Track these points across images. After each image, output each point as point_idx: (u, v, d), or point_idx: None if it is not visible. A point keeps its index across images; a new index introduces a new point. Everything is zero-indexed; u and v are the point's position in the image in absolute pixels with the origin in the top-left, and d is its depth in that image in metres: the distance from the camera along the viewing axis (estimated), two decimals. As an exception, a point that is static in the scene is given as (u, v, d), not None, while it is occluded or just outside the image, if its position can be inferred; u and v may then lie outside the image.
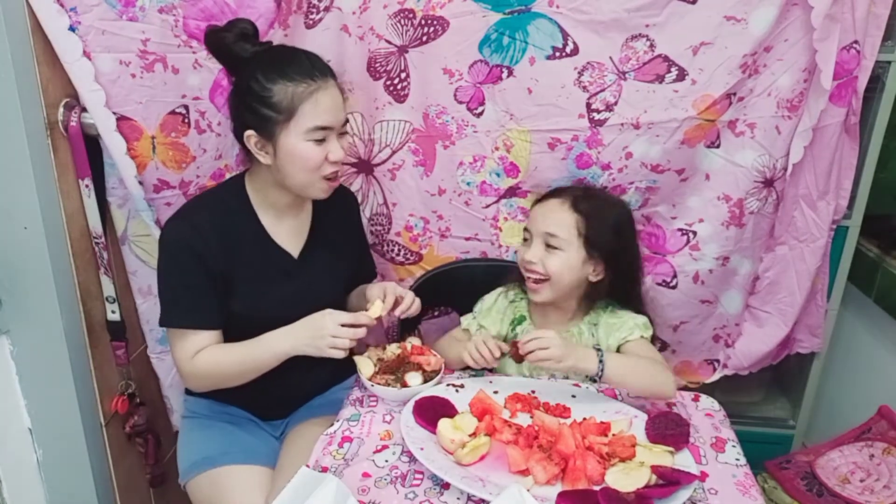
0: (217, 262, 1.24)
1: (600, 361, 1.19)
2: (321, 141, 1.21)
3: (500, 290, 1.45)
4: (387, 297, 1.29)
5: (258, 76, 1.19)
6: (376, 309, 1.26)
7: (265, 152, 1.23)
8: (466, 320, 1.45)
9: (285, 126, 1.19)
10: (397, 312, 1.31)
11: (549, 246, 1.31)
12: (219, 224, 1.26)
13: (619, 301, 1.39)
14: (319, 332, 1.19)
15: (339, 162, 1.24)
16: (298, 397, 1.43)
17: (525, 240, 1.38)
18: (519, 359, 1.21)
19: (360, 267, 1.50)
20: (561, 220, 1.32)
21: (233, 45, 1.22)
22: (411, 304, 1.31)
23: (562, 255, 1.31)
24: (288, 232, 1.34)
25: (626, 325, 1.34)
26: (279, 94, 1.18)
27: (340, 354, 1.19)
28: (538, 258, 1.31)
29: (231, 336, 1.28)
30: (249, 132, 1.22)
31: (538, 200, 1.42)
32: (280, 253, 1.32)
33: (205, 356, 1.24)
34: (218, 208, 1.28)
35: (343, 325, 1.19)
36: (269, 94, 1.18)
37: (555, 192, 1.40)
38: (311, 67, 1.20)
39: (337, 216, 1.41)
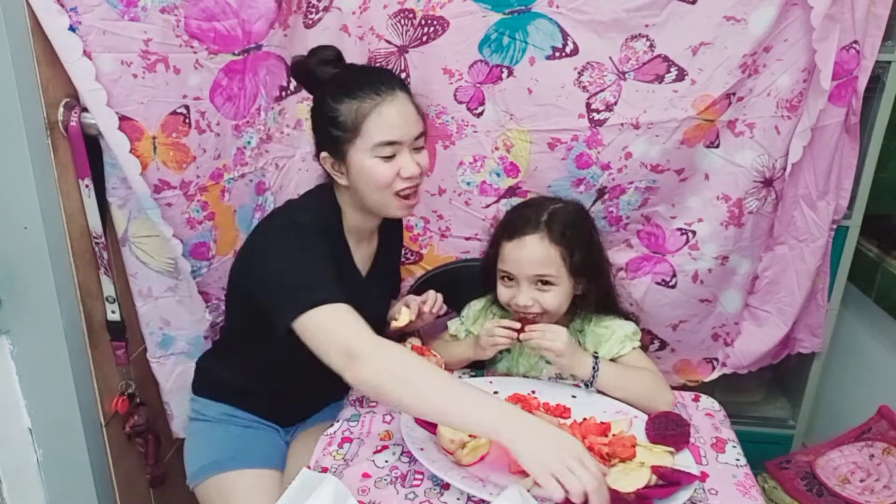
0: None
1: (594, 369, 1.21)
2: (390, 157, 1.18)
3: (488, 297, 1.43)
4: (410, 305, 1.31)
5: (327, 98, 1.20)
6: (405, 317, 1.30)
7: (340, 172, 1.22)
8: (454, 325, 1.45)
9: (353, 144, 1.18)
10: (426, 309, 1.32)
11: (540, 284, 1.28)
12: (316, 230, 1.21)
13: (598, 303, 1.36)
14: (569, 453, 0.92)
15: (413, 177, 1.20)
16: (315, 404, 1.43)
17: (506, 278, 1.31)
18: (519, 333, 1.24)
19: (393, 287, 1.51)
20: (547, 258, 1.27)
21: (314, 68, 1.23)
22: (436, 300, 1.34)
23: (555, 290, 1.28)
24: (362, 256, 1.34)
25: (615, 338, 1.33)
26: (345, 112, 1.17)
27: (559, 494, 0.90)
28: (533, 300, 1.28)
29: (285, 352, 1.11)
30: (324, 154, 1.22)
31: (507, 238, 1.31)
32: (355, 274, 1.32)
33: (401, 351, 1.04)
34: (318, 215, 1.25)
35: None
36: (336, 113, 1.18)
37: (525, 228, 1.29)
38: (377, 81, 1.18)
39: (394, 242, 1.45)
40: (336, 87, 1.20)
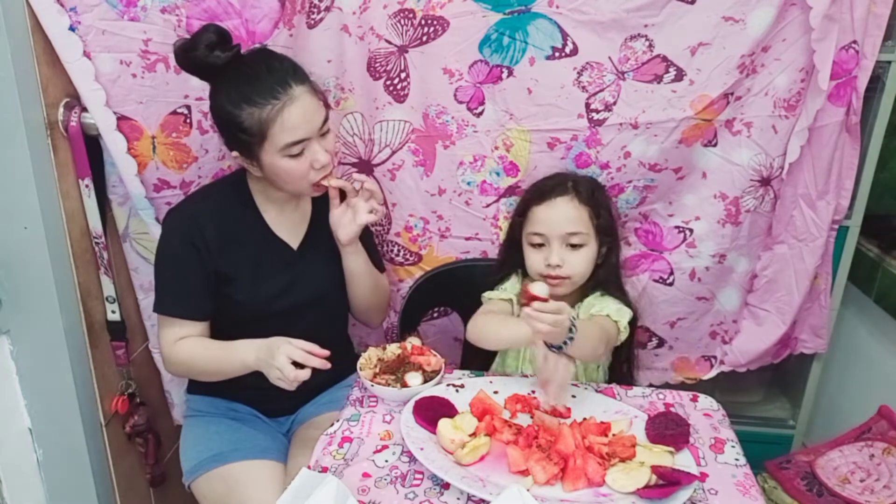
0: (214, 255, 1.26)
1: (571, 330, 1.11)
2: (300, 154, 1.21)
3: (516, 272, 1.44)
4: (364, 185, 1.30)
5: (225, 104, 1.19)
6: (336, 181, 1.28)
7: (253, 166, 1.25)
8: (506, 290, 1.41)
9: (262, 147, 1.20)
10: (368, 187, 1.31)
11: (570, 245, 1.34)
12: (219, 216, 1.28)
13: (609, 285, 1.39)
14: (270, 360, 1.17)
15: (325, 166, 1.24)
16: (303, 392, 1.43)
17: (537, 245, 1.36)
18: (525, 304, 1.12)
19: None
20: (578, 217, 1.35)
21: (205, 58, 1.17)
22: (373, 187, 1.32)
23: (584, 251, 1.35)
24: (288, 224, 1.36)
25: (602, 304, 1.35)
26: (248, 119, 1.18)
27: (286, 386, 1.17)
28: (563, 260, 1.33)
29: (231, 325, 1.29)
30: (235, 153, 1.25)
31: (537, 202, 1.39)
32: (279, 244, 1.35)
33: (186, 345, 1.27)
34: (220, 201, 1.31)
35: (294, 362, 1.15)
36: (239, 120, 1.18)
37: (554, 191, 1.38)
38: (273, 84, 1.17)
39: None
40: (233, 92, 1.18)
